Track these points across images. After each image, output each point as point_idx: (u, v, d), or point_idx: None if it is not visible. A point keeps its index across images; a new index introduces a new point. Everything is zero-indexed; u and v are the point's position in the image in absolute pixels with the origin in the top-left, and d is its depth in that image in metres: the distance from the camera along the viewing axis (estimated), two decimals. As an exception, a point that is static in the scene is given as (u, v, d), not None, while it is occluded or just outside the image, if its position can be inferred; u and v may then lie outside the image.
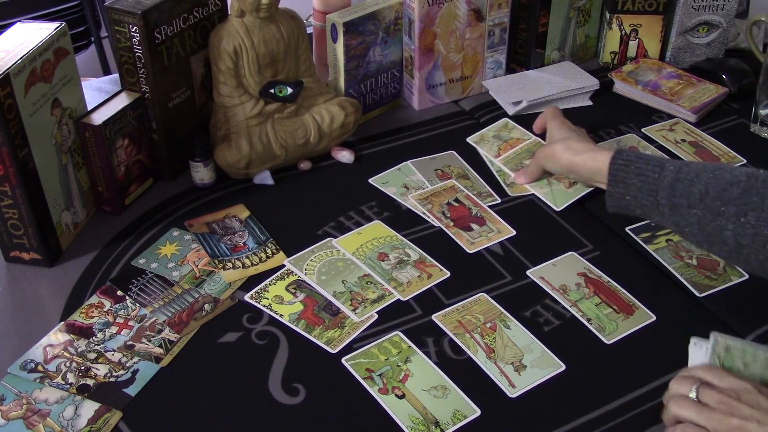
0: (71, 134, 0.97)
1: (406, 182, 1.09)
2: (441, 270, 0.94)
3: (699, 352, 0.77)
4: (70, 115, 0.96)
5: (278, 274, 0.93)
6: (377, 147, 1.18)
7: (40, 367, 0.81)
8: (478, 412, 0.77)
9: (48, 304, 0.90)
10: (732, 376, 0.70)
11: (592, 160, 0.94)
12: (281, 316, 0.88)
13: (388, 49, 1.21)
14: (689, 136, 1.20)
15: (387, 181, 1.10)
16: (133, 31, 0.97)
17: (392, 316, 0.88)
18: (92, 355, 0.82)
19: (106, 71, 2.14)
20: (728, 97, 1.28)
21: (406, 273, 0.93)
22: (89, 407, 0.77)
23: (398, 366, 0.82)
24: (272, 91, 1.07)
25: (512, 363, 0.82)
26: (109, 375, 0.80)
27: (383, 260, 0.95)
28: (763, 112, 1.19)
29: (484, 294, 0.91)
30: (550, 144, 1.03)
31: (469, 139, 1.18)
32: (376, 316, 0.88)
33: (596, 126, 1.23)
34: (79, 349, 0.83)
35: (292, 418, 0.77)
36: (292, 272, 0.94)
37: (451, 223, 1.01)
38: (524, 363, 0.82)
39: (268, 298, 0.90)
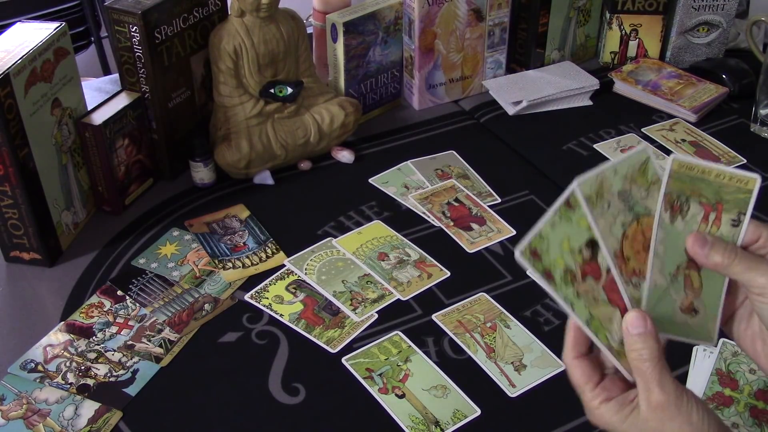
0: (71, 134, 0.97)
1: (406, 182, 1.09)
2: (441, 270, 0.94)
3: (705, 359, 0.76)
4: (70, 115, 0.96)
5: (278, 274, 0.93)
6: (377, 147, 1.18)
7: (40, 367, 0.81)
8: (478, 412, 0.77)
9: (48, 304, 0.90)
10: None
11: None
12: (281, 315, 0.88)
13: (388, 49, 1.21)
14: (689, 136, 1.20)
15: (387, 181, 1.10)
16: (133, 31, 0.97)
17: (392, 316, 0.88)
18: (92, 355, 0.82)
19: (106, 71, 2.14)
20: (728, 97, 1.28)
21: (406, 273, 0.93)
22: (89, 407, 0.77)
23: (398, 366, 0.82)
24: (272, 91, 1.07)
25: (512, 363, 0.82)
26: (109, 375, 0.80)
27: (383, 260, 0.95)
28: (763, 112, 1.19)
29: (484, 294, 0.91)
30: None
31: (579, 184, 0.63)
32: (376, 316, 0.88)
33: (596, 126, 1.23)
34: (79, 349, 0.83)
35: (292, 418, 0.77)
36: (292, 272, 0.94)
37: (451, 223, 1.01)
38: (524, 363, 0.82)
39: (268, 298, 0.90)
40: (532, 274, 0.55)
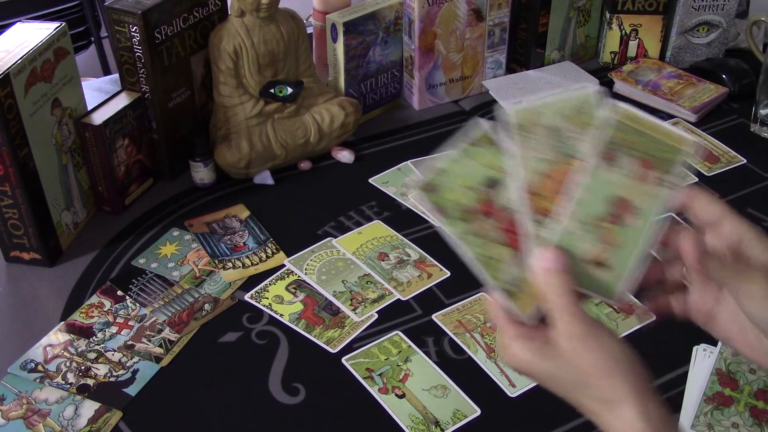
0: (71, 134, 0.97)
1: (406, 182, 1.09)
2: (441, 270, 0.94)
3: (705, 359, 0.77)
4: (70, 115, 0.96)
5: (278, 273, 0.93)
6: (377, 147, 1.18)
7: (40, 367, 0.81)
8: (478, 412, 0.77)
9: (48, 304, 0.90)
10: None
11: None
12: (281, 315, 0.88)
13: (388, 49, 1.21)
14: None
15: (387, 181, 1.10)
16: (133, 31, 0.97)
17: (392, 316, 0.88)
18: (92, 355, 0.82)
19: (106, 71, 2.14)
20: (728, 97, 1.28)
21: (406, 273, 0.93)
22: (89, 407, 0.77)
23: (398, 366, 0.82)
24: (272, 91, 1.07)
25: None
26: (109, 375, 0.80)
27: (383, 260, 0.95)
28: (763, 112, 1.19)
29: (485, 293, 0.91)
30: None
31: (514, 111, 0.58)
32: (376, 316, 0.88)
33: (596, 126, 1.23)
34: (79, 349, 0.83)
35: (292, 418, 0.77)
36: (292, 272, 0.94)
37: (451, 223, 1.01)
38: (524, 363, 0.82)
39: (268, 298, 0.90)
40: (425, 207, 0.54)
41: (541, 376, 0.56)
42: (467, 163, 0.56)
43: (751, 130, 1.22)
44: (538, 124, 0.55)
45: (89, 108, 1.00)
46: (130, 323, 0.86)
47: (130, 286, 0.91)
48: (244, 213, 1.03)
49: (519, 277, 0.56)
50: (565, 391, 0.56)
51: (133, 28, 0.97)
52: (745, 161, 1.15)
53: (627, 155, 0.55)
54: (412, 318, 0.88)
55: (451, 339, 0.85)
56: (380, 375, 0.80)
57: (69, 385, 0.79)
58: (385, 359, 0.82)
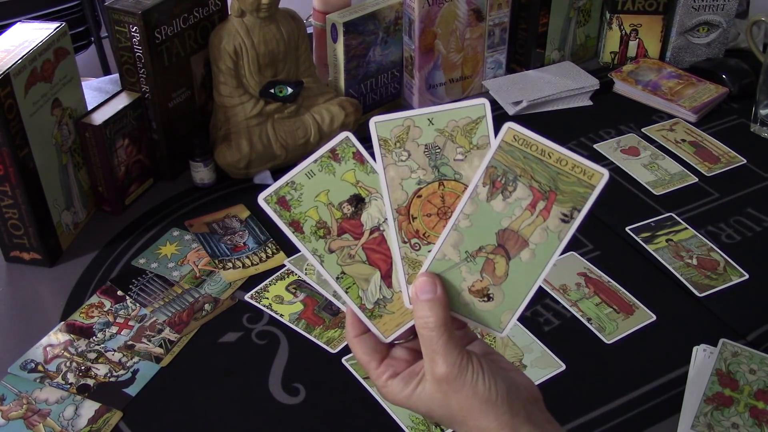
0: (71, 134, 0.97)
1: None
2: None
3: (705, 358, 0.77)
4: (70, 115, 0.96)
5: (278, 274, 0.93)
6: (377, 147, 1.18)
7: (40, 367, 0.81)
8: (478, 412, 0.77)
9: (48, 304, 0.90)
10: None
11: None
12: (281, 316, 0.88)
13: (388, 49, 1.21)
14: (689, 136, 1.20)
15: (387, 181, 1.10)
16: (133, 31, 0.97)
17: (392, 316, 0.88)
18: (92, 355, 0.82)
19: (106, 71, 2.14)
20: (728, 97, 1.28)
21: (406, 273, 0.93)
22: (89, 407, 0.77)
23: (398, 366, 0.82)
24: (272, 91, 1.07)
25: (512, 363, 0.82)
26: (109, 375, 0.80)
27: (383, 260, 0.95)
28: (763, 112, 1.19)
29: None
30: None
31: (376, 122, 0.57)
32: (376, 316, 0.88)
33: (596, 126, 1.23)
34: (79, 349, 0.83)
35: (292, 418, 0.77)
36: (292, 272, 0.94)
37: (451, 223, 1.01)
38: (524, 363, 0.82)
39: (268, 298, 0.90)
40: (278, 222, 0.51)
41: (420, 411, 0.54)
42: (326, 178, 0.52)
43: (751, 130, 1.22)
44: (411, 139, 0.51)
45: (89, 108, 1.00)
46: (130, 323, 0.86)
47: (130, 286, 0.91)
48: (244, 213, 1.03)
49: (384, 298, 0.53)
50: (446, 425, 0.53)
51: (133, 28, 0.97)
52: (745, 161, 1.15)
53: (522, 184, 0.50)
54: (412, 318, 0.88)
55: (451, 339, 0.85)
56: (380, 375, 0.80)
57: (69, 385, 0.79)
58: (385, 359, 0.82)
